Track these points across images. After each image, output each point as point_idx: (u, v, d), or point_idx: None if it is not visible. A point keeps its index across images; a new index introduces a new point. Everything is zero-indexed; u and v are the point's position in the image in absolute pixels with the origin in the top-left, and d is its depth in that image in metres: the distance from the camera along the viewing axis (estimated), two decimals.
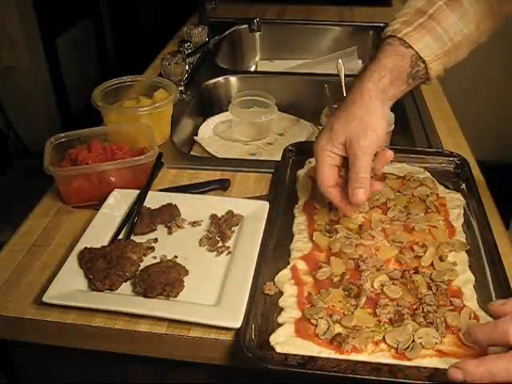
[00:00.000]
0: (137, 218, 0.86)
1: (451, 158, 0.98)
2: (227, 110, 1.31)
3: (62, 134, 0.98)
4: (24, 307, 0.74)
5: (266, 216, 0.86)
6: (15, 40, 2.67)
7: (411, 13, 0.84)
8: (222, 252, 0.81)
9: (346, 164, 0.80)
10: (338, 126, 0.78)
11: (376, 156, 0.80)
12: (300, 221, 0.86)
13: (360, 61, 1.71)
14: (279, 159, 1.01)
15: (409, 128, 1.20)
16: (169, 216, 0.87)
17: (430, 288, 0.72)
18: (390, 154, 0.81)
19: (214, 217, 0.87)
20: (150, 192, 0.92)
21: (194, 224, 0.87)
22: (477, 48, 0.89)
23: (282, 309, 0.71)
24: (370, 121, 0.77)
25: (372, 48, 1.75)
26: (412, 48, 0.80)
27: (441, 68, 0.84)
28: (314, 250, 0.80)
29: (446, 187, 0.92)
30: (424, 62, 0.81)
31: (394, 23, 0.84)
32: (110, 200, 0.90)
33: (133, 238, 0.84)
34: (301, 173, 0.96)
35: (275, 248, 0.81)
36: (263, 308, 0.71)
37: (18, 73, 2.75)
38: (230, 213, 0.87)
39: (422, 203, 0.88)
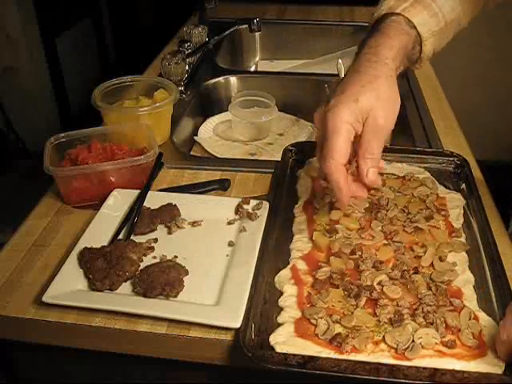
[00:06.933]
0: (137, 218, 0.86)
1: (451, 158, 0.98)
2: (227, 110, 1.31)
3: (62, 134, 0.98)
4: (24, 307, 0.74)
5: (266, 216, 0.86)
6: (15, 40, 2.67)
7: None
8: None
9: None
10: (364, 98, 0.70)
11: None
12: (300, 221, 0.86)
13: None
14: (279, 159, 1.01)
15: (409, 128, 1.20)
16: (169, 216, 0.87)
17: (429, 288, 0.72)
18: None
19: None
20: (150, 192, 0.92)
21: (193, 224, 0.87)
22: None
23: (281, 309, 0.70)
24: (393, 101, 0.73)
25: None
26: (415, 28, 0.79)
27: (431, 49, 0.83)
28: (314, 250, 0.80)
29: (446, 187, 0.92)
30: (420, 39, 0.80)
31: (388, 2, 0.82)
32: (110, 200, 0.90)
33: (133, 238, 0.84)
34: (301, 173, 0.96)
35: (275, 248, 0.80)
36: (263, 308, 0.71)
37: (18, 73, 2.75)
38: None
39: (422, 203, 0.88)
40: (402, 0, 0.81)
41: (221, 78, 1.46)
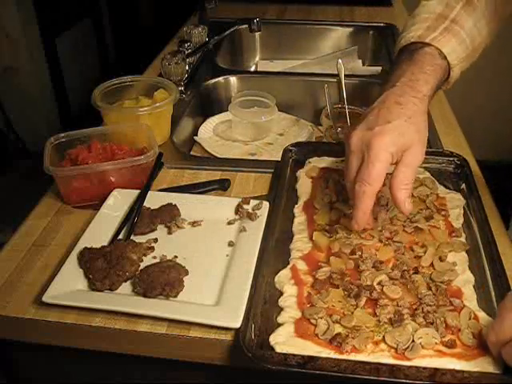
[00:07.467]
0: (137, 218, 0.86)
1: (451, 158, 0.98)
2: (227, 110, 1.31)
3: (62, 134, 0.98)
4: (24, 307, 0.74)
5: (266, 216, 0.86)
6: (15, 40, 2.67)
7: (432, 18, 0.84)
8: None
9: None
10: (408, 133, 0.73)
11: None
12: (300, 221, 0.86)
13: (360, 61, 1.72)
14: (279, 159, 1.01)
15: None
16: (169, 216, 0.87)
17: (429, 288, 0.72)
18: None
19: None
20: (150, 192, 0.92)
21: (193, 224, 0.87)
22: (482, 50, 0.90)
23: (281, 309, 0.71)
24: (426, 136, 0.77)
25: (372, 48, 1.75)
26: (446, 58, 0.81)
27: (459, 72, 0.86)
28: (314, 250, 0.80)
29: (446, 187, 0.92)
30: (449, 66, 0.82)
31: (416, 29, 0.84)
32: (110, 200, 0.90)
33: (133, 238, 0.84)
34: (301, 173, 0.96)
35: (275, 248, 0.81)
36: (263, 308, 0.71)
37: (18, 73, 2.75)
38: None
39: (422, 203, 0.88)
40: (431, 29, 0.82)
41: (221, 78, 1.46)
